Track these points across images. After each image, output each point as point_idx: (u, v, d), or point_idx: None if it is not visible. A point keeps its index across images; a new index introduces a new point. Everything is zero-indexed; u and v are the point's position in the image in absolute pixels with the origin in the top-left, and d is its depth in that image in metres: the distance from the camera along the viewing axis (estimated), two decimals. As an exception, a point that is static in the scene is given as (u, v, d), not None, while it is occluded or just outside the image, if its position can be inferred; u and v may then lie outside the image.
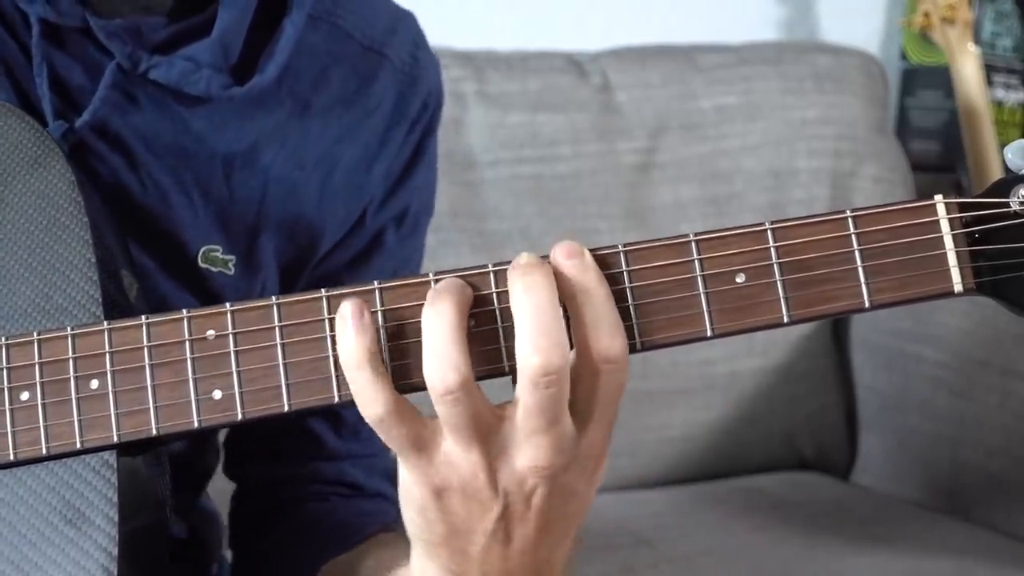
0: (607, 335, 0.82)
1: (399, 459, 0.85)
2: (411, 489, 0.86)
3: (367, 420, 0.83)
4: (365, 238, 1.14)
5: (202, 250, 1.06)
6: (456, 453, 0.84)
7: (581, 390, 0.83)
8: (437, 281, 0.85)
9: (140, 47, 1.02)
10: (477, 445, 0.83)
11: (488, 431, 0.83)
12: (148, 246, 1.04)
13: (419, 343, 0.83)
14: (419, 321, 0.83)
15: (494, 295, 0.85)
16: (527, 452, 0.83)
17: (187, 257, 1.06)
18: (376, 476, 1.18)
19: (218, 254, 1.07)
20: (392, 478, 1.14)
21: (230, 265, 1.07)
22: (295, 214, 1.09)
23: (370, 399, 0.83)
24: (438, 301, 0.82)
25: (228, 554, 1.25)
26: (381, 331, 0.85)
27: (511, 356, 0.83)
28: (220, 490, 1.24)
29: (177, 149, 1.04)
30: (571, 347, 0.83)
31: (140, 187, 1.03)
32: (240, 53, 1.05)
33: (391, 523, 1.09)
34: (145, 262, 1.04)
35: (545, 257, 0.84)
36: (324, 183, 1.10)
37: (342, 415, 1.16)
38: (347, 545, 1.09)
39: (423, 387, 0.83)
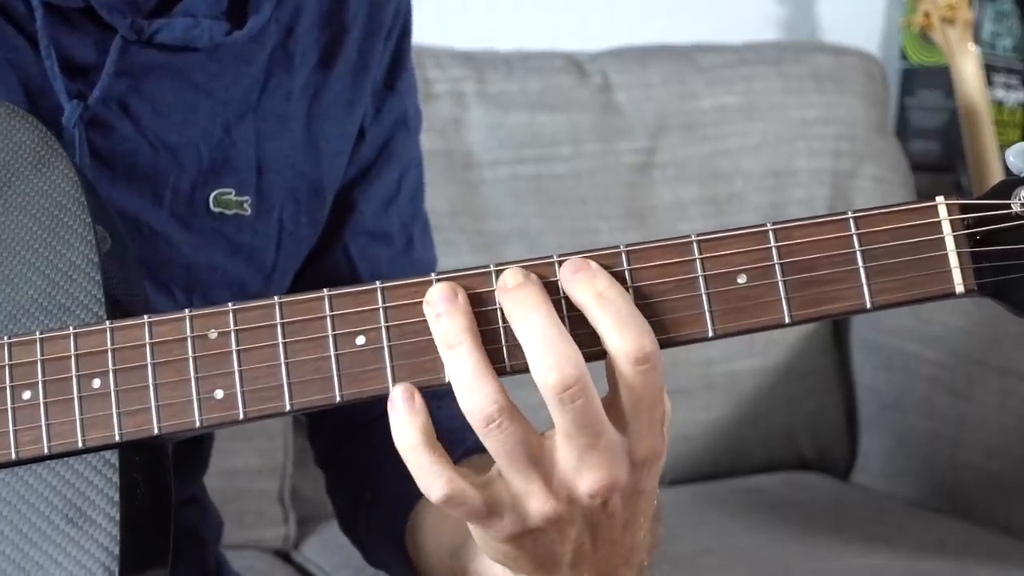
0: (634, 336, 0.82)
1: (468, 524, 0.86)
2: (488, 544, 0.86)
3: (432, 501, 0.83)
4: (371, 148, 1.17)
5: (213, 194, 1.08)
6: (518, 496, 0.83)
7: (622, 396, 0.83)
8: (438, 281, 0.85)
9: (138, 15, 1.05)
10: (535, 477, 0.83)
11: (540, 457, 0.83)
12: (164, 205, 1.06)
13: (425, 341, 0.84)
14: (423, 320, 0.84)
15: (495, 295, 0.85)
16: (586, 476, 0.83)
17: (200, 208, 1.08)
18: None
19: (231, 196, 1.09)
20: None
21: (246, 206, 1.09)
22: (289, 146, 1.11)
23: (431, 482, 0.83)
24: (450, 337, 0.83)
25: (226, 552, 1.25)
26: (384, 331, 0.85)
27: (512, 356, 0.84)
28: (221, 489, 1.25)
29: (183, 104, 1.07)
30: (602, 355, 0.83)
31: (151, 151, 1.06)
32: None
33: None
34: (166, 225, 1.06)
35: (545, 257, 0.85)
36: (311, 108, 1.12)
37: None
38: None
39: (431, 384, 0.84)
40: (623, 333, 0.82)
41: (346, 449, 1.19)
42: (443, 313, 0.83)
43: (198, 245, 1.08)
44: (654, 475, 0.86)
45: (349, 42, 1.14)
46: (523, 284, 0.83)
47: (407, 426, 0.83)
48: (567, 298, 0.84)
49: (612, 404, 0.83)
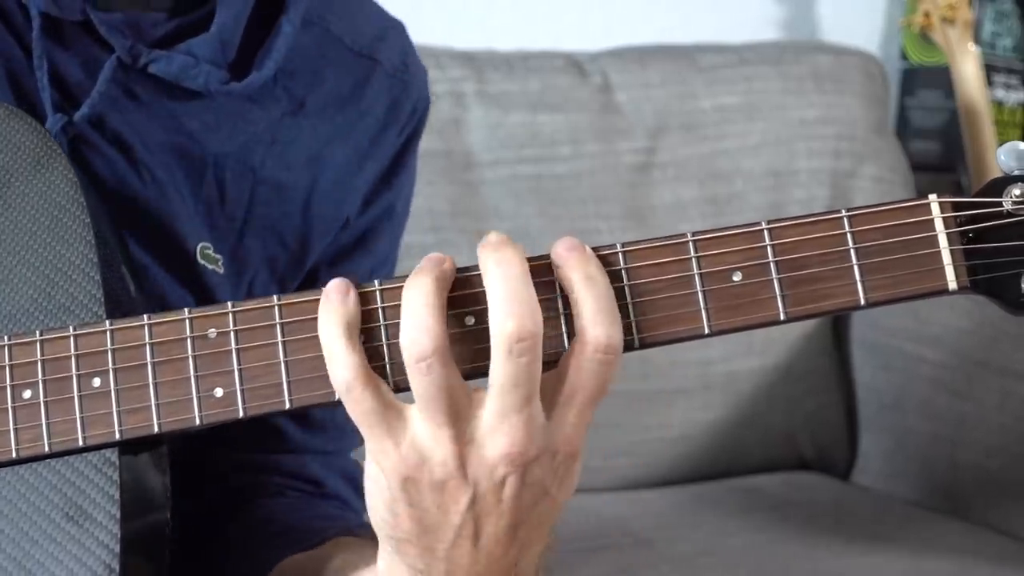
0: (606, 324, 0.83)
1: (367, 442, 0.85)
2: (379, 480, 0.85)
3: (335, 389, 0.84)
4: (350, 236, 1.15)
5: (199, 246, 1.07)
6: (425, 434, 0.83)
7: (569, 377, 0.84)
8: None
9: (140, 41, 1.03)
10: (448, 425, 0.83)
11: (460, 411, 0.83)
12: (147, 242, 1.04)
13: None
14: None
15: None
16: (498, 438, 0.83)
17: (186, 254, 1.06)
18: (336, 475, 1.16)
19: (210, 252, 1.07)
20: (353, 481, 1.14)
21: (220, 264, 1.08)
22: (281, 215, 1.10)
23: (339, 366, 0.84)
24: (417, 274, 0.84)
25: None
26: (383, 329, 0.86)
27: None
28: (221, 489, 1.25)
29: (171, 146, 1.05)
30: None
31: (139, 182, 1.04)
32: (238, 51, 1.06)
33: (354, 528, 1.08)
34: (144, 258, 1.04)
35: (544, 257, 0.85)
36: (313, 185, 1.11)
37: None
38: (305, 546, 1.07)
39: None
40: (597, 318, 0.83)
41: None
42: (420, 267, 0.84)
43: (176, 289, 1.06)
44: (565, 485, 0.86)
45: (363, 128, 1.13)
46: (507, 242, 0.84)
47: (331, 313, 0.84)
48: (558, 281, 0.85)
49: (551, 387, 0.84)
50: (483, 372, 0.84)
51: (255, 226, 1.09)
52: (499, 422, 0.83)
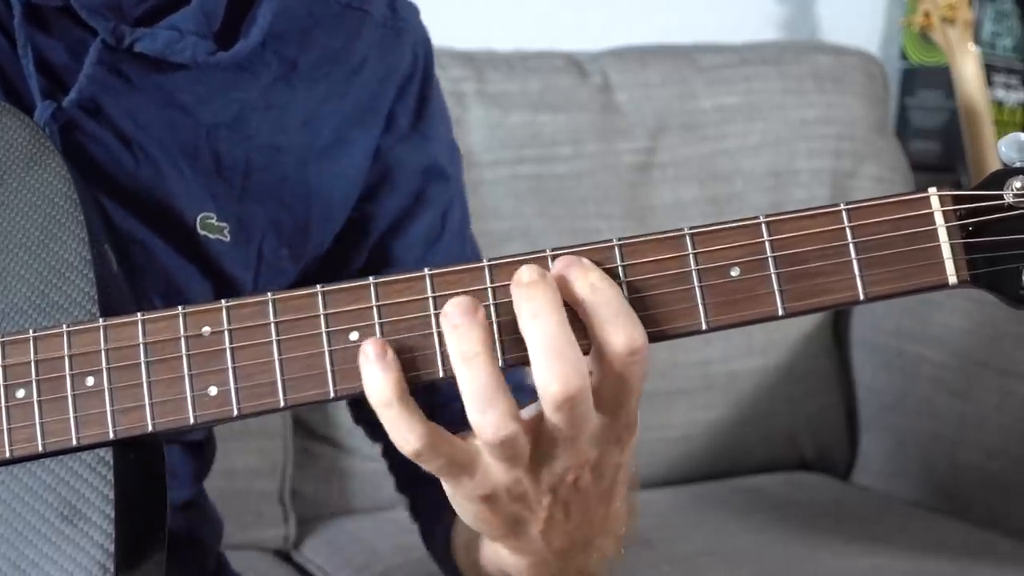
0: (626, 329, 0.83)
1: (442, 480, 0.87)
2: (461, 503, 0.88)
3: (405, 453, 0.84)
4: (404, 196, 1.15)
5: (199, 217, 1.07)
6: (497, 469, 0.85)
7: (608, 386, 0.84)
8: (433, 277, 0.85)
9: (122, 21, 1.03)
10: (517, 462, 0.85)
11: (523, 452, 0.84)
12: (147, 218, 1.05)
13: (418, 337, 0.85)
14: (417, 316, 0.84)
15: (488, 291, 0.85)
16: (564, 458, 0.85)
17: (185, 226, 1.06)
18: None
19: (213, 221, 1.07)
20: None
21: (225, 232, 1.08)
22: (279, 177, 1.10)
23: (404, 436, 0.83)
24: (463, 343, 0.83)
25: (227, 552, 1.25)
26: (378, 327, 0.85)
27: (506, 351, 0.84)
28: (220, 489, 1.25)
29: (164, 121, 1.05)
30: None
31: (133, 161, 1.04)
32: (222, 19, 1.06)
33: None
34: (145, 234, 1.04)
35: (538, 253, 0.85)
36: (309, 144, 1.11)
37: None
38: None
39: (425, 379, 0.84)
40: (616, 326, 0.83)
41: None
42: (460, 325, 0.83)
43: (178, 263, 1.06)
44: (630, 446, 0.89)
45: (359, 83, 1.13)
46: (538, 282, 0.83)
47: (381, 381, 0.83)
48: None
49: (598, 392, 0.84)
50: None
51: (255, 192, 1.09)
52: (559, 450, 0.85)
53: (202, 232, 1.06)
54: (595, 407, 0.84)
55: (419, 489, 1.19)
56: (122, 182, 1.04)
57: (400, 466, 1.20)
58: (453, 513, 1.03)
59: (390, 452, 1.19)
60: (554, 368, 0.81)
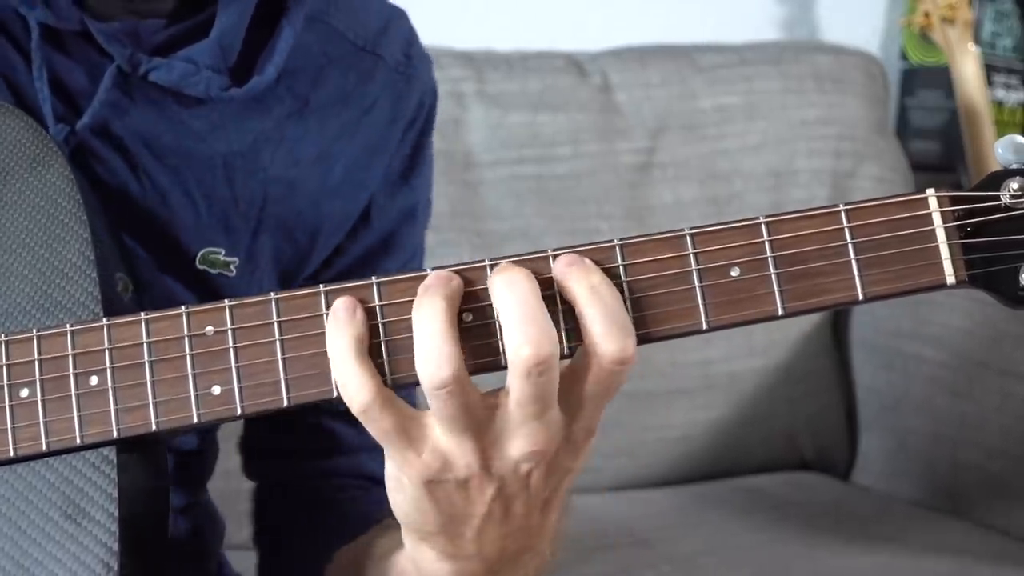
0: (618, 337, 0.83)
1: (386, 453, 0.86)
2: (400, 482, 0.87)
3: (352, 411, 0.84)
4: (376, 236, 1.15)
5: (201, 252, 1.06)
6: (448, 445, 0.84)
7: (584, 387, 0.84)
8: (434, 270, 0.85)
9: (139, 49, 1.02)
10: (470, 436, 0.84)
11: (480, 422, 0.84)
12: (149, 246, 1.04)
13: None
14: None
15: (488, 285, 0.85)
16: (519, 441, 0.84)
17: (186, 258, 1.06)
18: None
19: (219, 256, 1.07)
20: None
21: (232, 267, 1.07)
22: (294, 212, 1.10)
23: (355, 389, 0.84)
24: (427, 295, 0.83)
25: (227, 553, 1.25)
26: (380, 327, 0.85)
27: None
28: (220, 489, 1.25)
29: (178, 150, 1.05)
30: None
31: (140, 189, 1.04)
32: (239, 53, 1.05)
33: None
34: (146, 261, 1.04)
35: (540, 252, 0.85)
36: (322, 181, 1.10)
37: None
38: (358, 533, 1.09)
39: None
40: (610, 332, 0.83)
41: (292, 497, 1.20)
42: (429, 285, 0.84)
43: (176, 285, 1.06)
44: (583, 455, 0.88)
45: (369, 124, 1.13)
46: (515, 266, 0.84)
47: (342, 333, 0.84)
48: (559, 294, 0.85)
49: (569, 388, 0.84)
50: (485, 368, 0.84)
51: (269, 225, 1.09)
52: (519, 428, 0.84)
53: (201, 267, 1.06)
54: (559, 399, 0.84)
55: (295, 533, 1.18)
56: (128, 208, 1.03)
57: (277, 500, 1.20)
58: (349, 540, 1.05)
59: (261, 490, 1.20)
60: (527, 331, 0.81)
